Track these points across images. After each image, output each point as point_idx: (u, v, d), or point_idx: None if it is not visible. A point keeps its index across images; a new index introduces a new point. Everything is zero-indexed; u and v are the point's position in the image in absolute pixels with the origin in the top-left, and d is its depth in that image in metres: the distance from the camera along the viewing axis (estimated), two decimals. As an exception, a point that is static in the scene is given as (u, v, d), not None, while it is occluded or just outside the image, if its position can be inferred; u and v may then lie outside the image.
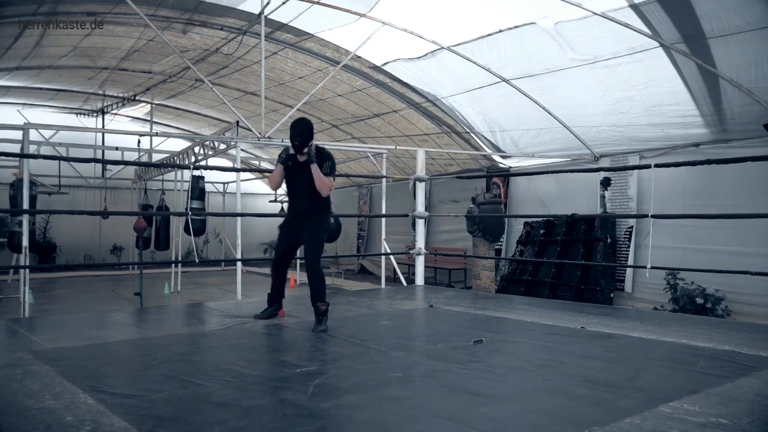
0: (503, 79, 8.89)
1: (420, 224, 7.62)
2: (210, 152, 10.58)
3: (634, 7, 6.57)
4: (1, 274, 12.90)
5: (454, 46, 8.61)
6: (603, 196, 9.46)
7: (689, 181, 8.22)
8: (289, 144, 4.38)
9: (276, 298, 4.72)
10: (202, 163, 10.43)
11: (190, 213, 6.73)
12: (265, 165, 17.86)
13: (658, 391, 2.74)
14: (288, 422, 2.33)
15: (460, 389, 2.80)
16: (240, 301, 6.80)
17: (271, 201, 16.69)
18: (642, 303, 8.84)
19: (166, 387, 2.74)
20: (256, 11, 8.13)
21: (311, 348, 3.72)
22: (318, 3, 8.04)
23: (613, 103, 8.31)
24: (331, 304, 4.38)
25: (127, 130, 12.99)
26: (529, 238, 10.64)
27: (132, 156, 13.98)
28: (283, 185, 4.55)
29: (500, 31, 7.91)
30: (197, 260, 7.09)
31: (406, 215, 8.22)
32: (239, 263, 7.86)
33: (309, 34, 9.34)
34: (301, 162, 4.34)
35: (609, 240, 9.21)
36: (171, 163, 11.59)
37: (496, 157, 11.62)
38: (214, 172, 14.67)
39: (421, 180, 7.46)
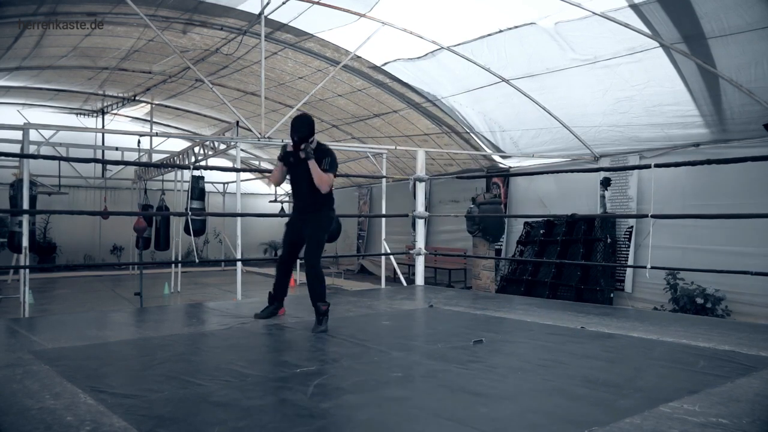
0: (503, 79, 8.89)
1: (420, 224, 7.62)
2: (210, 152, 10.58)
3: (634, 7, 6.57)
4: (1, 274, 12.90)
5: (454, 46, 8.61)
6: (603, 196, 9.46)
7: (689, 181, 8.22)
8: (290, 141, 4.38)
9: (277, 296, 4.71)
10: (202, 163, 10.44)
11: (190, 213, 6.73)
12: (265, 165, 17.88)
13: (658, 391, 2.74)
14: (288, 422, 2.33)
15: (460, 389, 2.80)
16: (240, 301, 6.79)
17: (271, 201, 16.71)
18: (642, 303, 8.84)
19: (166, 387, 2.74)
20: (256, 11, 8.13)
21: (311, 348, 3.72)
22: (318, 3, 8.04)
23: (613, 103, 8.31)
24: (331, 304, 4.38)
25: (127, 131, 13.00)
26: (529, 238, 10.64)
27: (132, 156, 13.98)
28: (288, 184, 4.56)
29: (500, 31, 7.91)
30: (197, 260, 7.09)
31: (406, 215, 8.22)
32: (239, 263, 7.86)
33: (309, 34, 9.34)
34: (302, 159, 4.32)
35: (609, 240, 9.21)
36: (171, 164, 11.59)
37: (496, 157, 11.62)
38: (214, 172, 14.68)
39: (421, 180, 7.46)
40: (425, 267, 7.69)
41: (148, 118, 14.89)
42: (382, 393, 2.74)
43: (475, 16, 7.84)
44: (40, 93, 13.74)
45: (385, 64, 9.90)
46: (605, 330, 4.31)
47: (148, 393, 2.65)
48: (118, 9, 8.42)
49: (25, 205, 6.54)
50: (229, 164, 16.20)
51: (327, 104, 12.34)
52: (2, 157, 10.57)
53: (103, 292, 11.46)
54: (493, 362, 3.33)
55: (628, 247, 9.23)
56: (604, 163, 9.58)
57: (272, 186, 18.19)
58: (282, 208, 16.44)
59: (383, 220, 9.28)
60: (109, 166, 15.79)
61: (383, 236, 8.55)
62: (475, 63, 8.75)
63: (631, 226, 9.24)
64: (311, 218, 4.46)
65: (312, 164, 4.25)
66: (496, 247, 10.77)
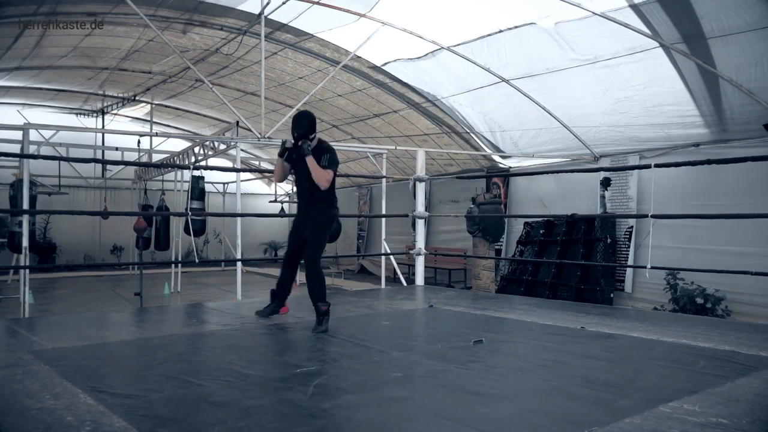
0: (503, 79, 8.89)
1: (420, 224, 7.62)
2: (210, 152, 10.58)
3: (634, 7, 6.57)
4: (1, 275, 12.90)
5: (454, 46, 8.61)
6: (603, 196, 9.46)
7: (689, 181, 8.22)
8: (288, 138, 4.37)
9: (279, 293, 4.71)
10: (202, 163, 10.43)
11: (190, 213, 6.74)
12: (265, 165, 17.89)
13: (658, 391, 2.74)
14: (288, 422, 2.33)
15: (460, 389, 2.80)
16: (240, 302, 6.79)
17: (271, 201, 16.71)
18: (642, 303, 8.84)
19: (166, 387, 2.74)
20: (256, 11, 8.13)
21: (311, 348, 3.72)
22: (318, 3, 8.04)
23: (613, 103, 8.31)
24: (331, 304, 4.37)
25: (127, 131, 12.99)
26: (529, 238, 10.64)
27: (132, 156, 13.98)
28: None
29: (500, 31, 7.91)
30: (197, 260, 7.09)
31: (406, 215, 8.22)
32: (239, 263, 7.86)
33: (309, 34, 9.34)
34: (303, 156, 4.30)
35: (609, 240, 9.21)
36: (171, 164, 11.59)
37: (496, 157, 11.62)
38: (214, 172, 14.67)
39: (421, 180, 7.46)
40: (425, 267, 7.69)
41: (148, 118, 14.88)
42: (382, 393, 2.74)
43: (475, 16, 7.84)
44: (40, 93, 13.74)
45: (385, 64, 9.90)
46: (605, 330, 4.31)
47: (148, 393, 2.65)
48: (118, 9, 8.42)
49: (25, 205, 6.54)
50: (229, 164, 16.20)
51: (327, 104, 12.34)
52: (2, 157, 10.57)
53: (103, 292, 11.46)
54: (493, 362, 3.33)
55: (628, 247, 9.23)
56: (604, 163, 9.58)
57: (276, 184, 18.23)
58: (282, 208, 16.44)
59: (383, 220, 9.28)
60: (109, 166, 15.79)
61: (383, 236, 8.55)
62: (475, 63, 8.75)
63: (631, 226, 9.24)
64: (312, 216, 4.45)
65: (309, 160, 4.23)
66: (496, 247, 10.77)
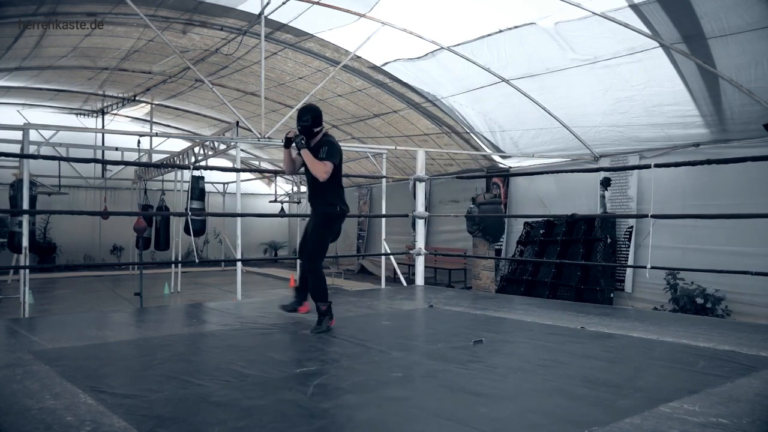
0: (503, 79, 8.89)
1: (420, 224, 7.62)
2: (210, 152, 10.58)
3: (634, 7, 6.57)
4: (1, 275, 12.90)
5: (454, 46, 8.61)
6: (603, 196, 9.46)
7: (689, 181, 8.22)
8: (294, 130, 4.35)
9: (302, 290, 4.69)
10: (202, 163, 10.44)
11: (190, 213, 6.73)
12: (265, 165, 17.90)
13: (658, 391, 2.74)
14: (288, 422, 2.33)
15: (460, 389, 2.80)
16: (240, 302, 6.79)
17: (271, 201, 16.71)
18: (642, 303, 8.83)
19: (166, 387, 2.74)
20: (256, 11, 8.13)
21: (311, 348, 3.72)
22: (318, 3, 8.04)
23: (613, 103, 8.30)
24: (331, 303, 4.37)
25: (127, 131, 12.98)
26: (529, 238, 10.64)
27: (132, 156, 13.98)
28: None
29: (500, 31, 7.91)
30: (197, 260, 7.08)
31: (406, 215, 8.22)
32: (239, 263, 7.86)
33: (309, 34, 9.34)
34: (308, 150, 4.26)
35: (609, 240, 9.21)
36: (171, 164, 11.59)
37: (496, 157, 11.62)
38: (214, 172, 14.68)
39: (421, 180, 7.46)
40: (425, 267, 7.69)
41: (148, 118, 14.89)
42: (382, 393, 2.74)
43: (475, 16, 7.84)
44: (40, 93, 13.74)
45: (385, 64, 9.90)
46: (605, 330, 4.31)
47: (148, 393, 2.65)
48: (118, 9, 8.42)
49: (25, 205, 6.54)
50: (229, 164, 16.20)
51: (327, 104, 12.33)
52: (2, 157, 10.56)
53: (103, 292, 11.46)
54: (493, 362, 3.33)
55: (628, 247, 9.23)
56: (604, 163, 9.58)
57: (276, 184, 18.23)
58: (282, 208, 16.45)
59: (383, 220, 9.28)
60: (109, 166, 15.79)
61: (383, 236, 8.55)
62: (475, 63, 8.75)
63: (631, 226, 9.24)
64: (314, 213, 4.44)
65: (305, 153, 4.20)
66: (496, 247, 10.77)
